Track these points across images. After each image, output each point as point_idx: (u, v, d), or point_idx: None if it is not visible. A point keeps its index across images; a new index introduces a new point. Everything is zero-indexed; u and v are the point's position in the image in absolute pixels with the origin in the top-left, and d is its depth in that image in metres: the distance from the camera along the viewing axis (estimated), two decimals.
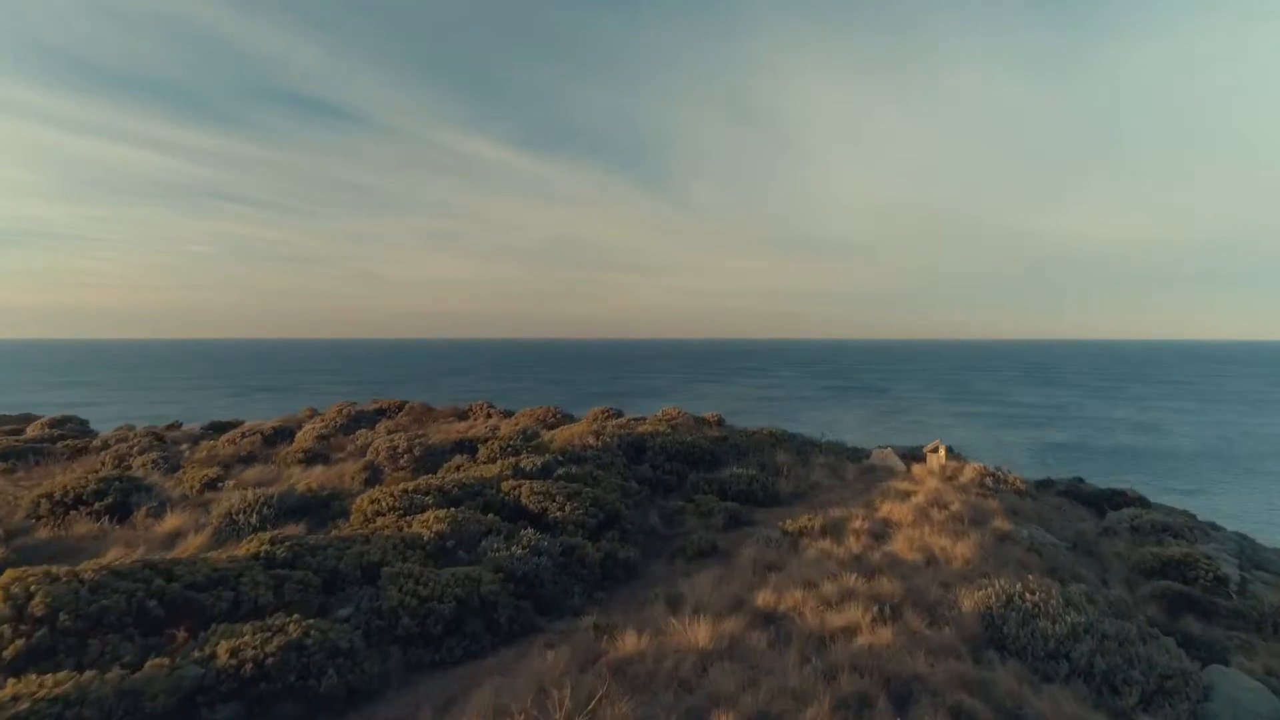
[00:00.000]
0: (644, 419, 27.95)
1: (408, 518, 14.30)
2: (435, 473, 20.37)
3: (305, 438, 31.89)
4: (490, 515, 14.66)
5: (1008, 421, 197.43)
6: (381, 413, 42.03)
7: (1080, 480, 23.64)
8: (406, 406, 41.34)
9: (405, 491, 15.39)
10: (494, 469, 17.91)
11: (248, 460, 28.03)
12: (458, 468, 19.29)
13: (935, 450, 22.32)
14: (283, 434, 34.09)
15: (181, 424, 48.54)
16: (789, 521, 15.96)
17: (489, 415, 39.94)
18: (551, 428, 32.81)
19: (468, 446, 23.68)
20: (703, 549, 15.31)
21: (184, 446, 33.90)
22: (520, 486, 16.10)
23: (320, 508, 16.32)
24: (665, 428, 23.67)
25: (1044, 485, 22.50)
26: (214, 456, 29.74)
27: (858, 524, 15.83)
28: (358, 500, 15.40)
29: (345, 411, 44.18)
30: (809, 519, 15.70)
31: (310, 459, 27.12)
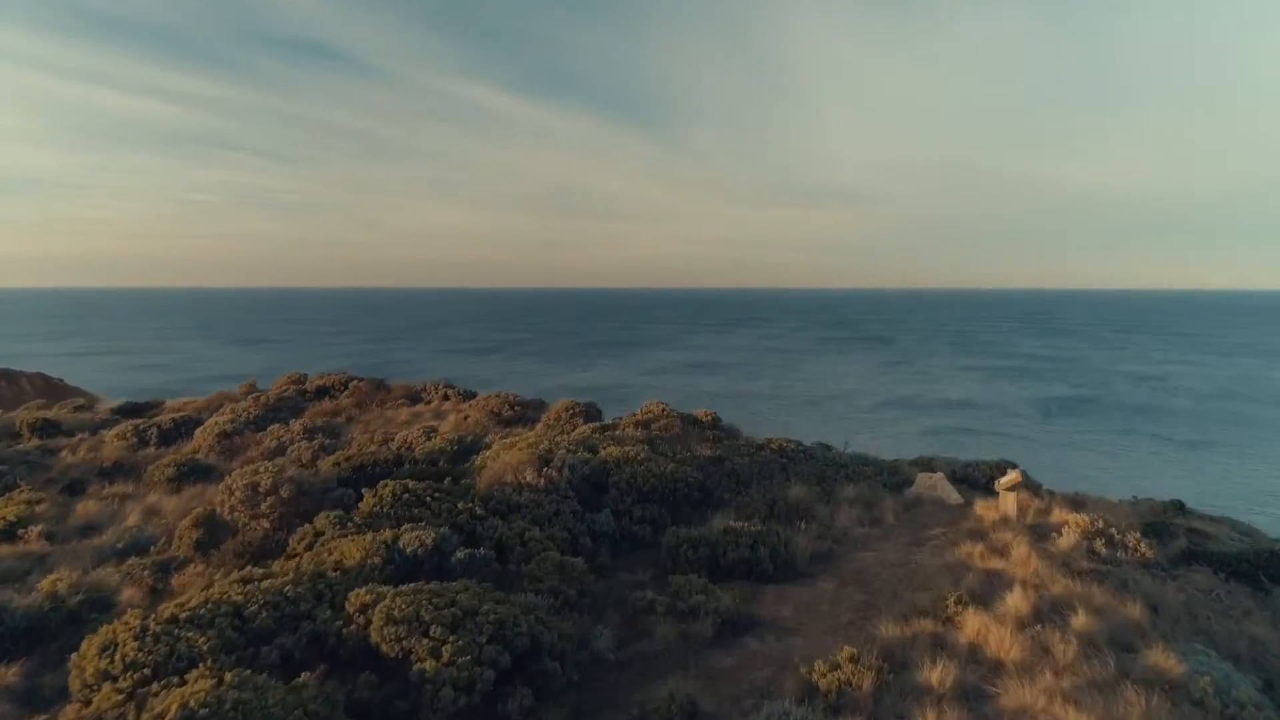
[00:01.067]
0: (615, 425, 21.24)
1: (154, 690, 7.97)
2: (310, 520, 13.97)
3: (206, 435, 25.38)
4: (301, 682, 8.18)
5: (1012, 373, 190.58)
6: (324, 391, 35.58)
7: (1203, 535, 17.03)
8: (351, 385, 34.81)
9: (171, 625, 8.93)
10: (357, 551, 11.33)
11: (111, 474, 21.55)
12: (313, 538, 12.75)
13: (1011, 488, 15.73)
14: (185, 428, 27.62)
15: (94, 404, 42.14)
16: (818, 668, 9.45)
17: (445, 398, 33.41)
18: (508, 424, 26.25)
19: (370, 473, 17.22)
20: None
21: (78, 439, 27.49)
22: (375, 604, 9.59)
23: (56, 631, 9.99)
24: (640, 448, 17.02)
25: (1157, 532, 15.94)
26: (82, 463, 23.31)
27: (933, 674, 9.33)
28: (82, 650, 8.92)
29: (284, 388, 37.82)
30: (851, 668, 9.20)
31: (186, 475, 20.62)
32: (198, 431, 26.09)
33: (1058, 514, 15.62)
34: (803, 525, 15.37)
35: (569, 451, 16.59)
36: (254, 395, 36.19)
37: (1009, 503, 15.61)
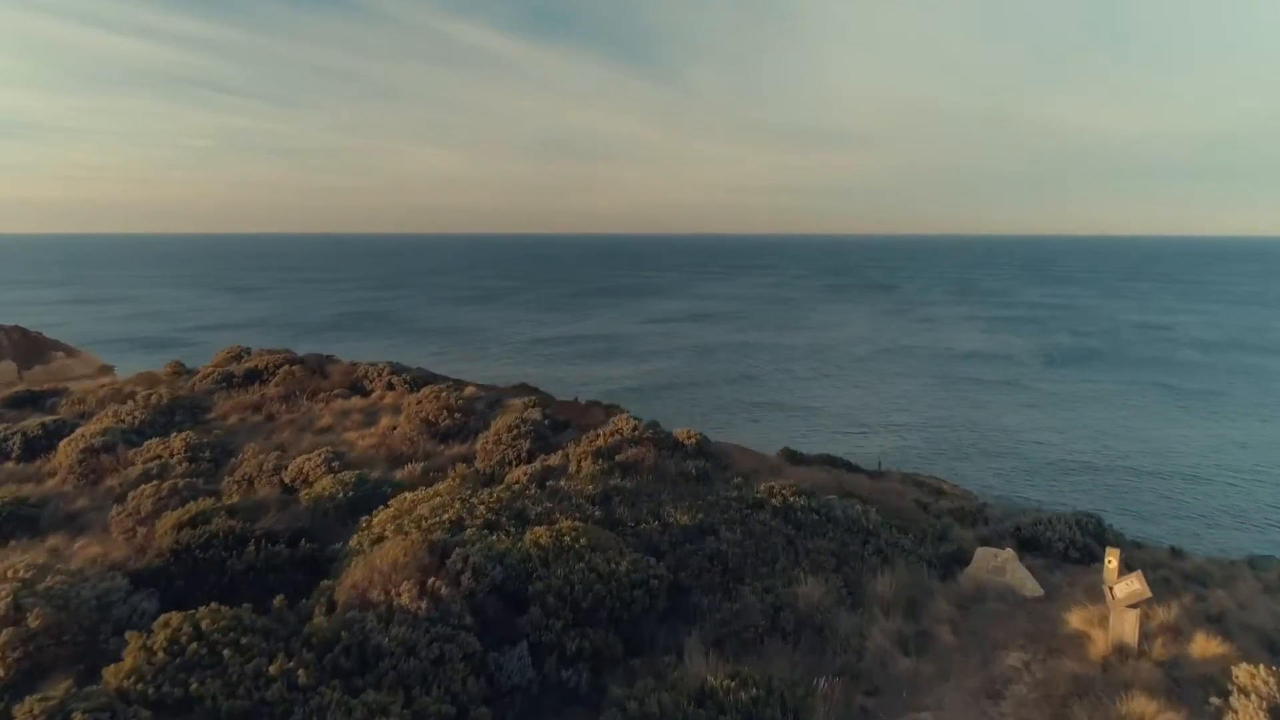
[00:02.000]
0: (569, 457, 15.56)
1: None
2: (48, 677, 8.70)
3: (69, 451, 20.05)
4: None
5: (1016, 322, 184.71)
6: (254, 376, 30.14)
7: None
8: (283, 371, 29.35)
9: None
10: None
11: None
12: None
13: (1134, 603, 10.31)
14: (55, 435, 22.28)
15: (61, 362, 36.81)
16: None
17: (390, 386, 27.99)
18: (444, 437, 20.80)
19: (207, 552, 11.84)
20: None
21: None
22: None
23: None
24: (581, 530, 11.57)
25: None
26: None
27: None
28: None
29: (218, 368, 32.41)
30: None
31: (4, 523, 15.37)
32: (62, 445, 20.74)
33: (1200, 643, 10.28)
34: (816, 649, 9.99)
35: (480, 533, 11.22)
36: (170, 381, 30.80)
37: (1128, 625, 10.26)
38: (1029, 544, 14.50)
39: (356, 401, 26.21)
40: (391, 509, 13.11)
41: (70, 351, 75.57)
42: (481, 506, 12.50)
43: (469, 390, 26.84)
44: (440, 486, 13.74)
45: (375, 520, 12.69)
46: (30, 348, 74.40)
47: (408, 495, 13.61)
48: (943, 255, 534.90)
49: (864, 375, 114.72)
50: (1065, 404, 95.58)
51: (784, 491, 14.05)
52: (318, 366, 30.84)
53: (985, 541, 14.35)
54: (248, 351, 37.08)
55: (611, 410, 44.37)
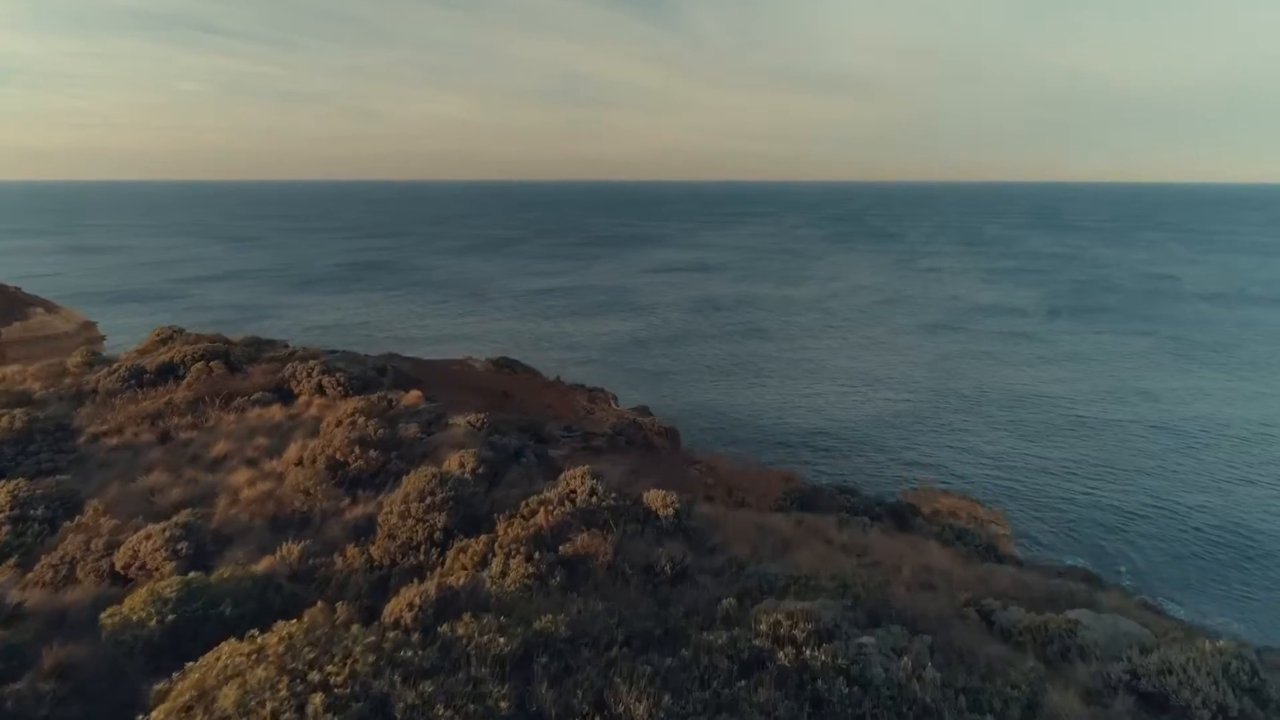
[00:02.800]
0: (480, 586, 10.58)
1: None
2: None
3: None
4: None
5: (1020, 272, 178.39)
6: (170, 370, 25.36)
7: None
8: (196, 368, 24.51)
9: None
10: None
11: None
12: None
13: None
14: None
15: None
16: None
17: (320, 391, 23.18)
18: (354, 485, 15.98)
19: None
20: None
21: None
22: None
23: None
24: (497, 687, 6.83)
25: None
26: None
27: None
28: None
29: (144, 355, 27.69)
30: None
31: None
32: None
33: None
34: None
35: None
36: (77, 375, 25.99)
37: None
38: (1155, 703, 9.78)
39: (275, 412, 21.33)
40: (192, 679, 8.36)
41: (50, 307, 70.44)
42: (318, 697, 7.73)
43: (409, 399, 21.96)
44: (272, 644, 8.96)
45: (159, 714, 7.93)
46: (8, 304, 69.42)
47: (224, 649, 8.84)
48: (946, 202, 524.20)
49: (868, 328, 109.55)
50: (1072, 358, 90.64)
51: (796, 631, 9.30)
52: (240, 363, 25.95)
53: (1091, 698, 9.68)
54: (179, 333, 32.24)
55: (596, 397, 39.55)
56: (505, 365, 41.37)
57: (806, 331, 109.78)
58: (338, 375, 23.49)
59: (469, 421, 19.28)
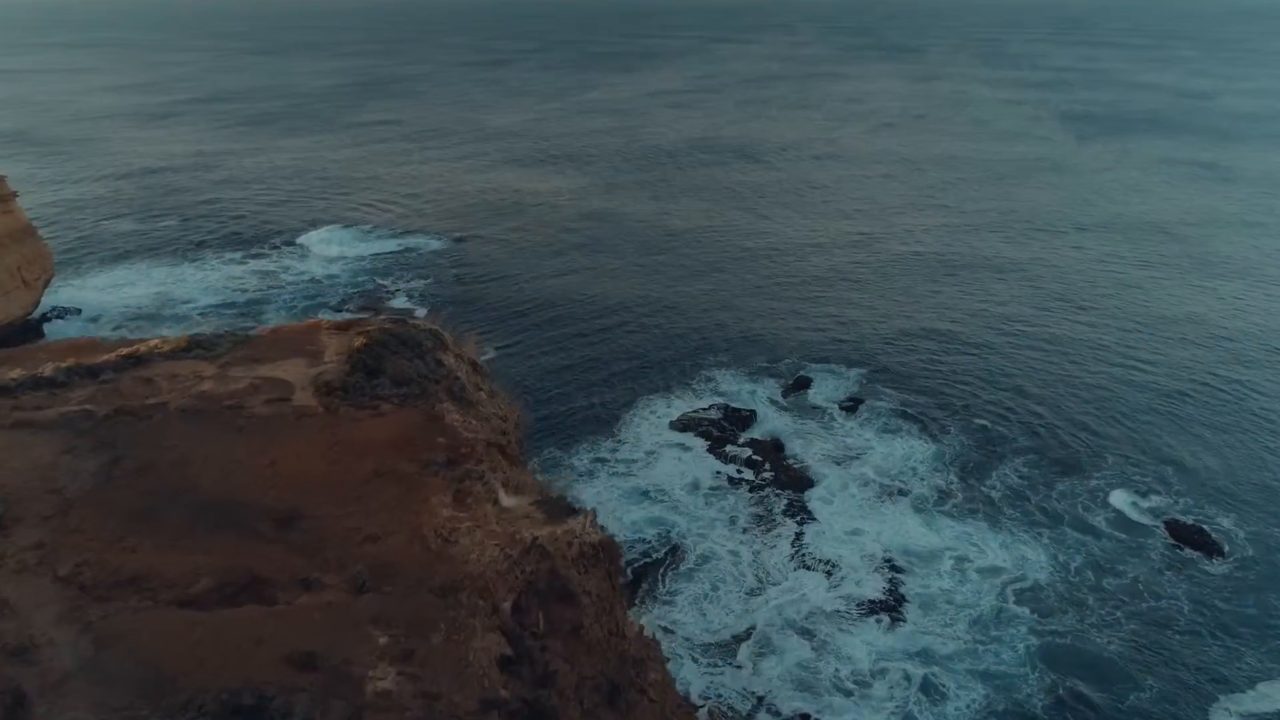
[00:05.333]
0: None
1: None
2: None
3: None
4: None
5: (1045, 87, 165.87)
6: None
7: None
8: None
9: None
10: None
11: None
12: None
13: None
14: None
15: None
16: None
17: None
18: None
19: None
20: None
21: None
22: None
23: None
24: None
25: None
26: None
27: None
28: None
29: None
30: None
31: None
32: None
33: None
34: None
35: None
36: None
37: None
38: None
39: None
40: None
41: None
42: None
43: None
44: None
45: None
46: None
47: None
48: (967, 14, 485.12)
49: (884, 159, 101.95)
50: (1110, 189, 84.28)
51: None
52: None
53: None
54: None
55: (474, 488, 20.97)
56: (346, 391, 20.60)
57: (818, 158, 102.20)
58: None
59: None
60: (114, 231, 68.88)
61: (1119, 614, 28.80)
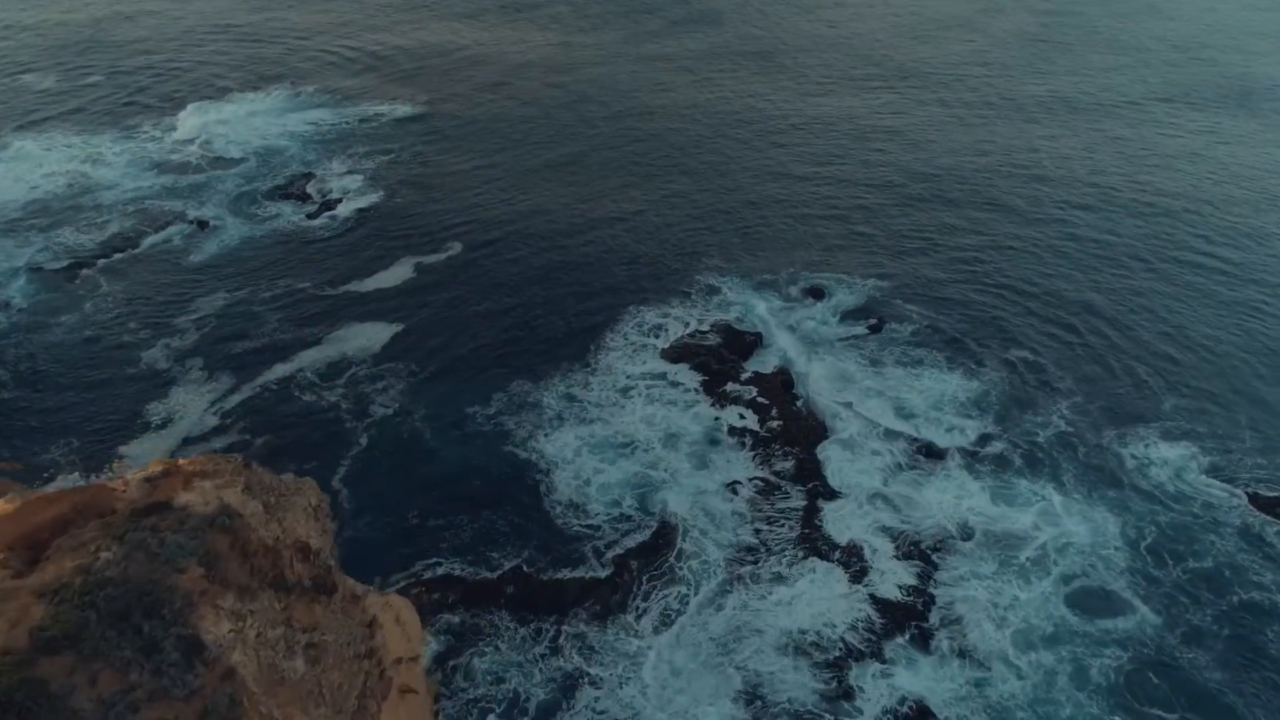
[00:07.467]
0: None
1: None
2: None
3: None
4: None
5: None
6: None
7: None
8: None
9: None
10: None
11: None
12: None
13: None
14: None
15: None
16: None
17: None
18: None
19: None
20: None
21: None
22: None
23: None
24: None
25: None
26: None
27: None
28: None
29: None
30: None
31: None
32: None
33: None
34: None
35: None
36: None
37: None
38: None
39: None
40: None
41: None
42: None
43: None
44: None
45: None
46: None
47: None
48: None
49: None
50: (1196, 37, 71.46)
51: None
52: None
53: None
54: None
55: None
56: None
57: None
58: None
59: None
60: (34, 90, 58.43)
61: (1208, 617, 23.41)
